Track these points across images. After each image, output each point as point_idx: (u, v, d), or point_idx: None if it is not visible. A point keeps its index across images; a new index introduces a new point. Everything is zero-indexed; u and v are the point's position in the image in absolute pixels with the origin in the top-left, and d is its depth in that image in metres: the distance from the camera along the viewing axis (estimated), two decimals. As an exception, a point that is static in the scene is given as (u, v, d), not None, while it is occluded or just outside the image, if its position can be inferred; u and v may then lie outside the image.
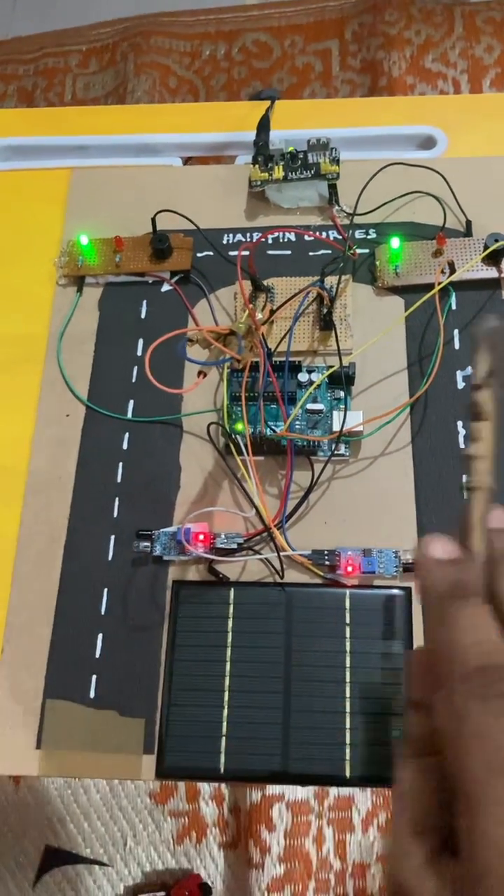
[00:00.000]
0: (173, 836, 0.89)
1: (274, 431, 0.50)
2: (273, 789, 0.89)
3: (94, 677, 0.47)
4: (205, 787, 0.91)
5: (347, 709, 0.45)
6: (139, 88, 1.17)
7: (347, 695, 0.45)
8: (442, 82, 1.09)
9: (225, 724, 0.45)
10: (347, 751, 0.44)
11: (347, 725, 0.44)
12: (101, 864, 0.89)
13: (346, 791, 0.88)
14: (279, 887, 0.85)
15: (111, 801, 0.90)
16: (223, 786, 0.91)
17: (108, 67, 1.22)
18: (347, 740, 0.44)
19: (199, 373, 0.41)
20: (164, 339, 0.42)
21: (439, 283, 0.52)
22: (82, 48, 1.23)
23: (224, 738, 0.45)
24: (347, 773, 0.44)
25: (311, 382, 0.51)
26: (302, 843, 0.86)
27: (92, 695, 0.47)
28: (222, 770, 0.44)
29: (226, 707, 0.45)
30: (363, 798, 0.88)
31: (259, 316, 0.49)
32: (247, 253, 0.55)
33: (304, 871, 0.85)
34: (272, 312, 0.52)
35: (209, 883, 0.87)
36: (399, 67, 1.09)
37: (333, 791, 0.89)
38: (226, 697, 0.46)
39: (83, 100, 1.21)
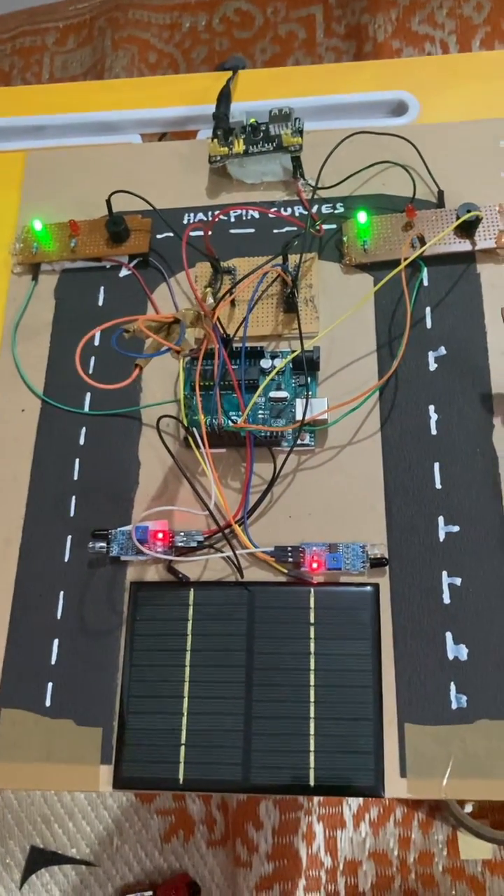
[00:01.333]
0: (160, 835, 0.87)
1: (232, 422, 0.47)
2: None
3: (49, 685, 0.45)
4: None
5: (312, 714, 0.42)
6: (117, 65, 1.13)
7: (312, 699, 0.43)
8: (430, 45, 1.05)
9: (184, 732, 0.43)
10: (312, 758, 0.42)
11: (312, 731, 0.42)
12: (87, 863, 0.88)
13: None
14: (268, 886, 0.84)
15: (96, 801, 0.89)
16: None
17: (86, 44, 1.18)
18: (312, 747, 0.42)
19: (136, 365, 0.39)
20: (96, 331, 0.39)
21: (406, 259, 0.49)
22: (59, 25, 1.19)
23: (183, 747, 0.43)
24: (312, 782, 0.41)
25: (273, 369, 0.49)
26: (291, 840, 0.84)
27: (48, 703, 0.45)
28: (181, 781, 0.42)
29: (185, 714, 0.43)
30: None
31: (210, 301, 0.46)
32: (199, 233, 0.52)
33: (293, 869, 0.84)
34: (223, 297, 0.49)
35: (197, 881, 0.86)
36: (385, 31, 1.04)
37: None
38: (185, 704, 0.43)
39: (61, 78, 1.18)
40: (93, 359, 0.53)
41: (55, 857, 0.88)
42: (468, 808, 0.81)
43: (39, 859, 0.87)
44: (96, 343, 0.53)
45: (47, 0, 1.21)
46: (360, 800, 0.85)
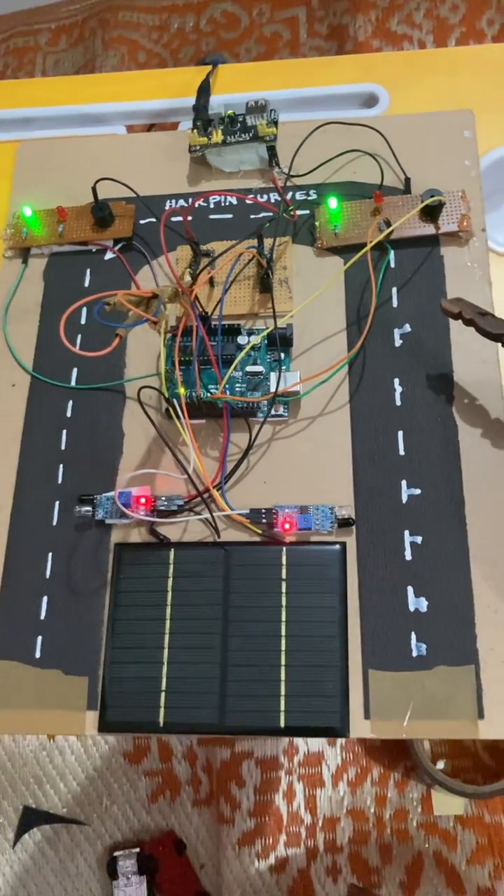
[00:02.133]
0: (148, 795, 0.91)
1: (210, 394, 0.50)
2: (242, 747, 0.90)
3: (39, 638, 0.49)
4: (177, 747, 0.93)
5: (283, 662, 0.46)
6: (108, 64, 1.16)
7: (283, 648, 0.46)
8: (408, 44, 1.08)
9: (164, 679, 0.46)
10: (283, 702, 0.45)
11: (283, 678, 0.45)
12: (78, 822, 0.92)
13: (315, 747, 0.90)
14: (250, 841, 0.88)
15: (86, 762, 0.92)
16: (195, 745, 0.92)
17: (78, 44, 1.21)
18: (283, 692, 0.45)
19: (116, 335, 0.42)
20: (79, 304, 0.42)
21: (371, 241, 0.52)
22: (51, 26, 1.23)
23: (163, 693, 0.46)
24: (282, 724, 0.45)
25: (249, 344, 0.52)
26: (272, 798, 0.88)
27: (37, 655, 0.48)
28: (161, 724, 0.45)
29: (165, 663, 0.47)
30: (333, 754, 0.90)
31: (187, 279, 0.50)
32: (179, 219, 0.55)
33: (274, 826, 0.87)
34: (198, 275, 0.52)
35: (183, 840, 0.90)
36: (365, 31, 1.08)
37: (303, 747, 0.91)
38: (165, 654, 0.47)
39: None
40: (79, 336, 0.56)
41: (47, 817, 0.91)
42: (440, 765, 0.85)
43: (32, 819, 0.91)
44: (83, 321, 0.56)
45: (41, 2, 1.24)
46: (339, 761, 0.89)
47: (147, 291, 0.43)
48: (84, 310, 0.57)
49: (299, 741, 0.89)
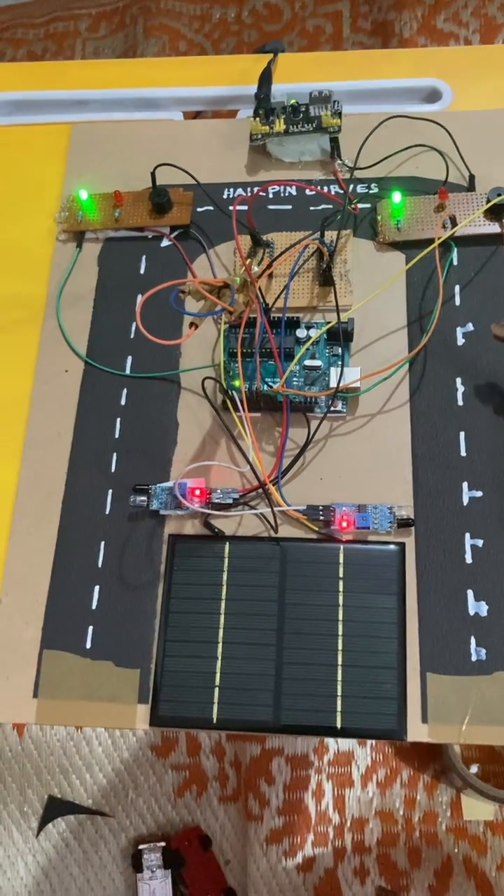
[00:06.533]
0: (174, 789, 0.90)
1: (270, 387, 0.49)
2: (272, 743, 0.90)
3: (90, 628, 0.48)
4: (205, 742, 0.92)
5: (339, 661, 0.45)
6: (148, 52, 1.15)
7: (339, 647, 0.45)
8: (454, 42, 1.07)
9: (218, 675, 0.46)
10: (339, 702, 0.44)
11: (339, 678, 0.45)
12: (103, 814, 0.91)
13: (345, 746, 0.90)
14: (278, 839, 0.87)
15: (113, 754, 0.92)
16: (224, 740, 0.92)
17: (118, 31, 1.20)
18: (339, 692, 0.45)
19: (191, 324, 0.41)
20: (156, 289, 0.42)
21: (439, 238, 0.52)
22: (92, 12, 1.21)
23: (217, 689, 0.45)
24: (339, 724, 0.44)
25: (309, 338, 0.51)
26: (301, 796, 0.87)
27: (88, 645, 0.48)
28: (215, 720, 0.45)
29: (219, 658, 0.46)
30: (363, 754, 0.90)
31: (255, 269, 0.49)
32: (244, 208, 0.54)
33: (302, 825, 0.87)
34: (269, 266, 0.51)
35: (209, 835, 0.89)
36: (410, 28, 1.07)
37: (333, 746, 0.90)
38: (219, 649, 0.46)
39: (93, 64, 1.20)
40: (133, 324, 0.55)
41: (72, 807, 0.91)
42: (473, 769, 0.84)
43: (56, 808, 0.90)
44: (137, 308, 0.55)
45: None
46: (369, 761, 0.88)
47: (219, 280, 0.42)
48: (139, 297, 0.56)
49: (329, 739, 0.89)
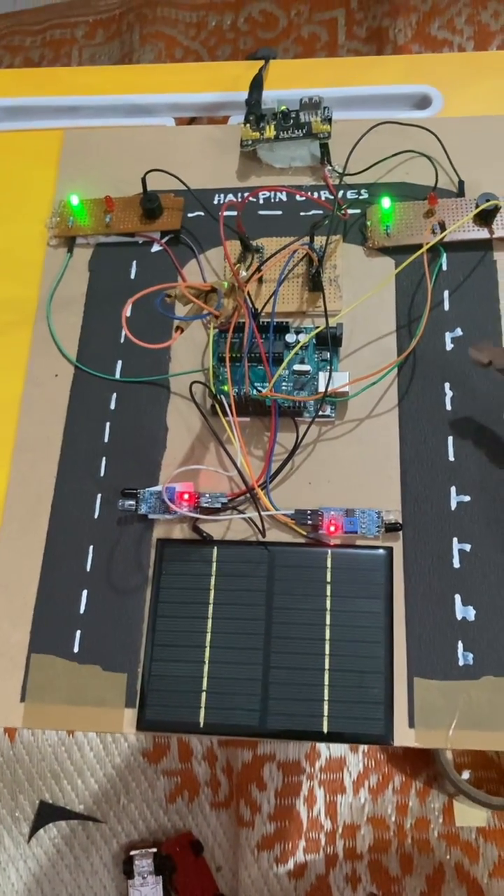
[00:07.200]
0: (166, 795, 0.90)
1: (259, 392, 0.49)
2: (264, 749, 0.90)
3: (78, 632, 0.48)
4: (197, 748, 0.92)
5: (326, 666, 0.45)
6: (144, 59, 1.16)
7: (327, 652, 0.45)
8: (448, 49, 1.07)
9: (205, 679, 0.46)
10: (326, 706, 0.44)
11: (326, 682, 0.45)
12: (94, 820, 0.91)
13: (337, 752, 0.89)
14: (269, 845, 0.87)
15: (105, 760, 0.91)
16: (216, 746, 0.92)
17: (114, 38, 1.21)
18: (326, 696, 0.44)
19: (177, 328, 0.41)
20: (142, 293, 0.42)
21: (427, 243, 0.52)
22: (89, 19, 1.22)
23: (204, 693, 0.45)
24: (325, 729, 0.44)
25: (298, 343, 0.51)
26: (293, 802, 0.87)
27: (76, 649, 0.48)
28: (202, 724, 0.45)
29: (207, 663, 0.46)
30: (355, 760, 0.89)
31: (243, 274, 0.49)
32: (233, 213, 0.54)
33: (294, 831, 0.87)
34: (257, 270, 0.51)
35: (200, 841, 0.89)
36: (405, 35, 1.07)
37: (325, 752, 0.90)
38: (207, 653, 0.46)
39: (89, 70, 1.21)
40: (123, 329, 0.55)
41: (63, 813, 0.90)
42: (465, 776, 0.84)
43: (48, 814, 0.90)
44: (128, 313, 0.56)
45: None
46: (361, 767, 0.88)
47: (206, 285, 0.42)
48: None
49: (321, 745, 0.89)
